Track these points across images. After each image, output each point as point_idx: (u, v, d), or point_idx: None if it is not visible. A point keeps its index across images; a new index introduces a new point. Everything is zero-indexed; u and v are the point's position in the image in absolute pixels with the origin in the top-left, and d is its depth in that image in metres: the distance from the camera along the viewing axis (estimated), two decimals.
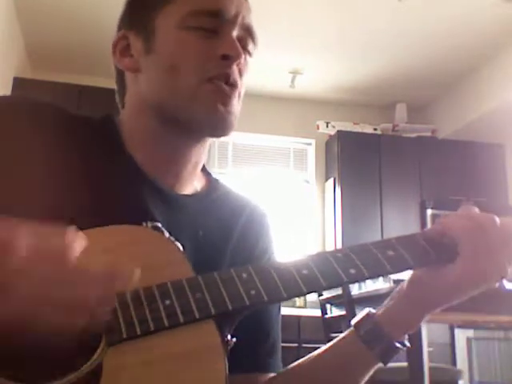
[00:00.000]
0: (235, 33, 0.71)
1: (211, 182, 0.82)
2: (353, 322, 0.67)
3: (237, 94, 0.72)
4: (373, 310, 0.67)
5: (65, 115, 0.73)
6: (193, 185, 0.78)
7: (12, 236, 0.45)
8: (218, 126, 0.70)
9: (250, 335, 0.74)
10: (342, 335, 0.69)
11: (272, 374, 0.76)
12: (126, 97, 0.78)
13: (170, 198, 0.73)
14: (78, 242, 0.47)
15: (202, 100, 0.69)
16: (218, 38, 0.70)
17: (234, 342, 0.67)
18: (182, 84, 0.69)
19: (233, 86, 0.70)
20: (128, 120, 0.77)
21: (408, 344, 0.66)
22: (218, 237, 0.75)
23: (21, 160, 0.65)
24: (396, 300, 0.66)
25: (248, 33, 0.74)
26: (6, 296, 0.44)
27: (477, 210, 0.63)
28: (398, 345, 0.64)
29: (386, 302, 0.67)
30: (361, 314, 0.68)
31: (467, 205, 0.64)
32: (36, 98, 0.73)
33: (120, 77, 0.80)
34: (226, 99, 0.69)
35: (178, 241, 0.68)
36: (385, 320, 0.65)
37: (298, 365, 0.72)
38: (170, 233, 0.69)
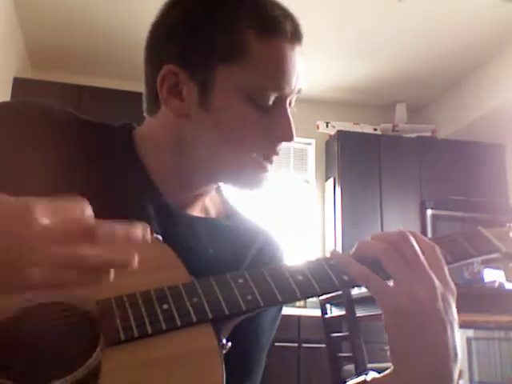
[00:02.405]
0: (290, 106, 0.73)
1: (227, 209, 0.83)
2: None
3: None
4: (373, 375, 0.65)
5: (76, 121, 0.73)
6: (202, 208, 0.79)
7: (30, 209, 0.44)
8: (255, 187, 0.75)
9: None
10: None
11: None
12: (159, 116, 0.74)
13: (176, 216, 0.73)
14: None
15: (246, 172, 0.72)
16: (275, 114, 0.70)
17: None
18: (230, 155, 0.71)
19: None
20: (152, 138, 0.75)
21: None
22: (226, 262, 0.74)
23: (27, 165, 0.65)
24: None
25: (295, 95, 0.75)
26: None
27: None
28: None
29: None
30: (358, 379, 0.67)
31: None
32: (47, 104, 0.72)
33: (154, 92, 0.72)
34: (266, 171, 0.74)
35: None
36: None
37: None
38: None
